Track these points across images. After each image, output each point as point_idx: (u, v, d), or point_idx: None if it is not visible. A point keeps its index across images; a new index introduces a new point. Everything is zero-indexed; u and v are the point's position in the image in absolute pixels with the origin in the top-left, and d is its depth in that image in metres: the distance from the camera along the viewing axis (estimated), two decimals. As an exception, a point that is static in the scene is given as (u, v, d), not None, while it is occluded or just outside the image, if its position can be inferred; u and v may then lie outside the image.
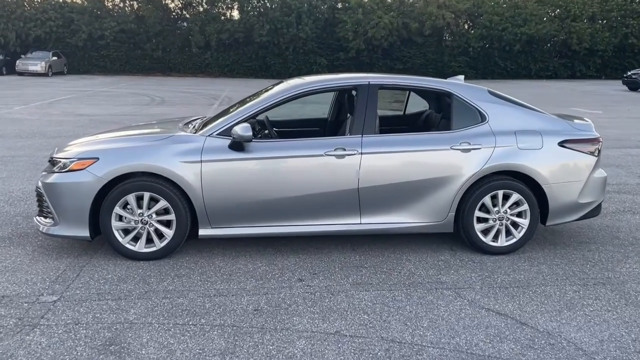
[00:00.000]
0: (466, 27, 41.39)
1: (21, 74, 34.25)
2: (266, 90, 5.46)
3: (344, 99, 5.88)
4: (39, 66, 34.23)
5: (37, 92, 23.04)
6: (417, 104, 6.58)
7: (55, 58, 35.83)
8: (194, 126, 5.28)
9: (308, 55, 39.29)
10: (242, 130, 4.59)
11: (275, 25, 38.19)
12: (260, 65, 39.36)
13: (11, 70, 34.95)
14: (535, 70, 40.35)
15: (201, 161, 4.66)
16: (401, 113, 6.64)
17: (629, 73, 29.83)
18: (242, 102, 5.48)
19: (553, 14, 41.26)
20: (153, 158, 4.63)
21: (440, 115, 5.80)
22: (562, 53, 41.25)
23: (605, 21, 41.10)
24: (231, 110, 5.25)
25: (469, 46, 39.72)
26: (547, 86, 31.33)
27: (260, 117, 5.53)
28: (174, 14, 40.54)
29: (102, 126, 13.27)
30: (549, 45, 41.63)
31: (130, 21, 38.65)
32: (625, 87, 29.28)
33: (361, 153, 4.80)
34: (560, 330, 3.72)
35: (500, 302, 4.11)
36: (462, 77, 5.68)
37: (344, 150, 4.79)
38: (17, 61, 34.78)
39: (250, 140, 4.65)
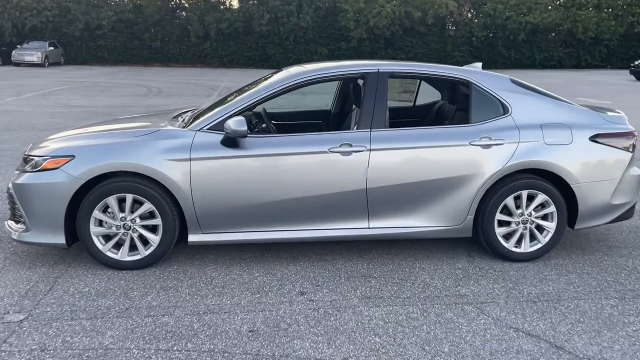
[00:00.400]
0: (469, 15, 40.71)
1: (17, 64, 33.67)
2: (264, 80, 4.93)
3: (349, 88, 5.35)
4: (35, 56, 33.62)
5: (31, 83, 22.50)
6: (427, 94, 6.05)
7: (51, 48, 35.22)
8: (184, 119, 4.76)
9: (309, 44, 38.66)
10: (236, 124, 4.07)
11: (276, 14, 37.52)
12: (260, 55, 38.74)
13: (7, 60, 34.33)
14: (540, 60, 39.70)
15: (190, 159, 4.15)
16: (411, 104, 6.11)
17: (637, 63, 29.25)
18: (238, 92, 4.95)
19: (558, 2, 40.59)
20: (136, 156, 4.11)
21: (455, 107, 5.27)
22: (567, 42, 40.59)
23: (611, 9, 40.44)
24: (225, 101, 4.73)
25: (472, 35, 39.08)
26: (552, 76, 30.70)
27: (257, 109, 5.01)
28: (172, 3, 39.82)
29: (95, 118, 12.78)
30: (553, 34, 40.95)
31: (128, 10, 37.98)
32: (633, 77, 28.69)
33: (369, 149, 4.28)
34: (602, 357, 3.21)
35: (530, 321, 3.60)
36: (479, 64, 5.15)
37: (351, 146, 4.27)
38: (13, 51, 34.16)
39: (245, 136, 4.12)
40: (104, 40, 38.06)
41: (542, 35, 40.00)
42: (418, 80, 5.96)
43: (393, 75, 4.54)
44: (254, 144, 4.23)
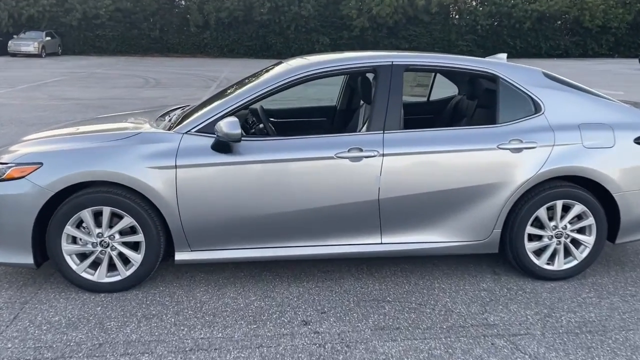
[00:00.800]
0: (474, 3, 39.96)
1: (14, 55, 33.15)
2: (262, 74, 4.37)
3: (357, 83, 4.78)
4: (31, 47, 33.10)
5: (26, 74, 21.94)
6: (439, 87, 5.48)
7: (48, 38, 34.66)
8: (171, 119, 4.21)
9: (310, 34, 37.97)
10: (228, 126, 3.51)
11: (276, 2, 36.81)
12: (260, 45, 38.09)
13: (3, 51, 33.75)
14: (546, 49, 38.99)
15: (176, 166, 3.59)
16: (425, 99, 5.54)
17: (646, 51, 28.59)
18: (232, 88, 4.39)
19: (565, -10, 39.82)
20: (113, 163, 3.56)
21: (476, 103, 4.71)
22: (573, 30, 39.87)
23: (618, -3, 39.69)
24: (218, 98, 4.16)
25: (477, 24, 38.41)
26: (560, 65, 30.00)
27: (254, 106, 4.46)
28: (171, -9, 39.15)
29: (88, 112, 12.28)
30: (560, 22, 40.22)
31: (126, -1, 37.37)
32: (642, 66, 28.07)
33: (383, 154, 3.73)
34: (668, 410, 2.67)
35: (574, 359, 3.06)
36: (504, 55, 4.58)
37: (361, 150, 3.72)
38: (10, 42, 33.63)
39: (239, 140, 3.56)
40: (101, 30, 37.43)
41: (548, 24, 39.29)
42: (433, 73, 5.39)
43: (409, 68, 3.97)
44: (250, 148, 3.67)
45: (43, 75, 21.37)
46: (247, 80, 4.36)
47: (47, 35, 34.67)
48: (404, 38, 38.26)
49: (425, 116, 5.45)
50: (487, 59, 4.29)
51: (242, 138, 3.66)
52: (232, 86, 4.46)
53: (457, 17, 39.56)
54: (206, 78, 21.54)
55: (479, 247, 3.96)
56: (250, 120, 4.53)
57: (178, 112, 4.56)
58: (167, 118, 4.33)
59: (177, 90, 17.07)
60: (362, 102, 4.86)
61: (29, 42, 33.27)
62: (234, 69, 25.95)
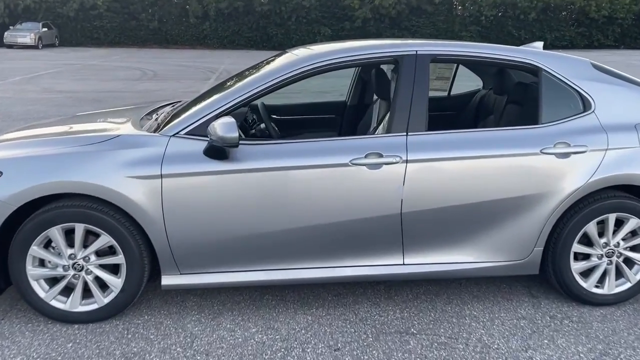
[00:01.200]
0: (478, -6, 39.19)
1: (10, 46, 32.51)
2: (264, 66, 3.78)
3: (371, 76, 4.21)
4: (28, 38, 32.46)
5: (21, 66, 21.32)
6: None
7: (45, 29, 34.00)
8: (158, 118, 3.63)
9: (311, 25, 37.27)
10: (224, 128, 2.93)
11: (277, -7, 36.11)
12: (261, 36, 37.41)
13: (-1, 42, 33.16)
14: (551, 40, 38.21)
15: (161, 175, 3.02)
16: (445, 94, 4.97)
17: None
18: (230, 81, 3.81)
19: (570, -21, 39.05)
20: (86, 171, 2.99)
21: (505, 99, 4.14)
22: (579, 21, 39.10)
23: (625, -13, 38.92)
24: (212, 94, 3.57)
25: (481, 15, 37.72)
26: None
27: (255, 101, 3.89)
28: (170, -19, 38.40)
29: (81, 105, 11.71)
30: (565, 13, 39.47)
31: (125, -10, 36.65)
32: (652, 57, 27.39)
33: (406, 161, 3.15)
34: None
35: (646, 415, 2.51)
36: (540, 44, 3.99)
37: (380, 156, 3.14)
38: (6, 33, 32.99)
39: (236, 144, 2.98)
40: (99, 20, 36.74)
41: (553, 14, 38.56)
42: (455, 64, 4.81)
43: (436, 58, 3.38)
44: (250, 153, 3.10)
45: (38, 67, 20.77)
46: (247, 73, 3.77)
47: (43, 26, 34.00)
48: (406, 29, 37.55)
49: (445, 113, 4.88)
50: (523, 48, 3.70)
51: (241, 141, 3.09)
52: (230, 79, 3.88)
53: (460, 7, 38.83)
54: (205, 70, 20.94)
55: (517, 268, 3.40)
56: (250, 119, 3.96)
57: (167, 109, 3.99)
58: (154, 116, 3.75)
59: (175, 83, 16.48)
60: (375, 97, 4.30)
61: (25, 34, 32.63)
62: (234, 61, 25.32)
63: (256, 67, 3.88)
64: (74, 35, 36.86)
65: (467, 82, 5.40)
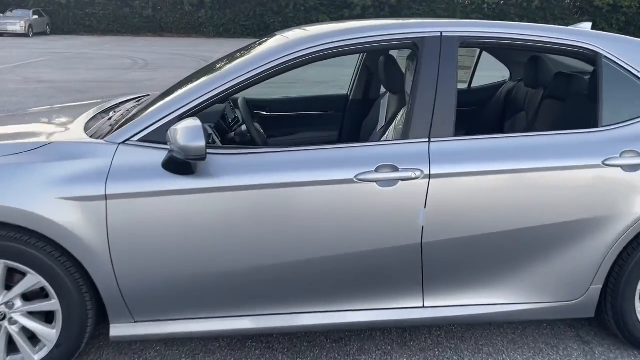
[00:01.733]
0: (481, -19, 38.42)
1: (0, 34, 31.59)
2: (247, 51, 3.01)
3: (379, 64, 3.45)
4: (18, 26, 31.61)
5: (8, 55, 20.50)
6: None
7: (36, 17, 33.14)
8: (111, 118, 2.87)
9: (310, 12, 36.46)
10: (186, 135, 2.18)
11: (275, -20, 35.22)
12: (258, 24, 36.57)
13: (-11, 30, 32.24)
14: (555, 29, 37.49)
15: (106, 197, 2.28)
16: (465, 86, 4.22)
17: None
18: (205, 71, 3.04)
19: (575, -34, 38.26)
20: (3, 191, 2.24)
21: (542, 93, 3.41)
22: (583, 9, 38.33)
23: (631, -26, 38.13)
24: (181, 87, 2.80)
25: (483, 2, 37.13)
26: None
27: (237, 96, 3.14)
28: (165, -32, 37.47)
29: (62, 96, 11.01)
30: (569, 1, 38.72)
31: (118, -24, 35.73)
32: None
33: (429, 175, 2.41)
34: None
35: None
36: (588, 24, 3.24)
37: (396, 169, 2.41)
38: (-5, 20, 32.10)
39: (203, 157, 2.23)
40: (92, 8, 35.86)
41: (557, 2, 37.89)
42: (477, 51, 4.07)
43: (467, 42, 2.62)
44: (224, 166, 2.36)
45: (25, 56, 19.97)
46: (226, 60, 3.01)
47: (34, 13, 33.13)
48: (407, 17, 36.72)
49: (464, 109, 4.14)
50: (573, 28, 2.94)
51: (213, 150, 2.35)
52: (205, 69, 3.12)
53: (462, -5, 38.07)
54: (199, 59, 20.16)
55: (566, 311, 2.67)
56: (231, 118, 3.22)
57: (130, 105, 3.23)
58: (112, 113, 3.00)
59: (167, 72, 15.73)
60: (383, 89, 3.58)
61: (15, 21, 31.78)
62: (230, 49, 24.41)
63: (239, 53, 3.11)
64: (66, 23, 36.00)
65: (484, 73, 4.67)
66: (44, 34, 33.87)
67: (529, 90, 3.63)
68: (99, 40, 30.93)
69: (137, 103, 3.25)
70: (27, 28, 31.80)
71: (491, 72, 4.36)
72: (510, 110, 3.80)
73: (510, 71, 4.10)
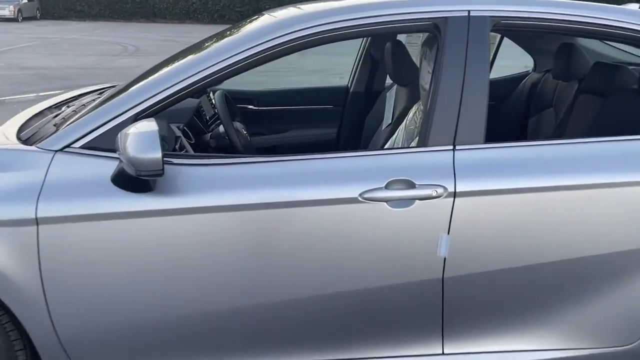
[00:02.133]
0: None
1: (-13, 19, 31.04)
2: (227, 34, 2.47)
3: (386, 51, 2.93)
4: (7, 10, 31.17)
5: (-7, 40, 19.93)
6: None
7: (25, 1, 32.67)
8: (57, 115, 2.34)
9: (307, -1, 35.90)
10: (137, 143, 1.66)
11: (270, -36, 34.59)
12: (253, 10, 35.89)
13: (-24, 14, 31.60)
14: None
15: (37, 221, 1.76)
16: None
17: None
18: (174, 59, 2.50)
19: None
20: None
21: (576, 87, 2.91)
22: (584, -1, 37.95)
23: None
24: (144, 78, 2.27)
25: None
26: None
27: (215, 88, 2.61)
28: (158, -49, 36.79)
29: (44, 84, 10.52)
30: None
31: (110, -40, 35.06)
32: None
33: (454, 194, 1.90)
34: None
35: None
36: (635, 5, 2.74)
37: (412, 186, 1.89)
38: (-17, 4, 31.47)
39: (160, 173, 1.70)
40: (83, -8, 35.25)
41: (558, -9, 37.42)
42: (498, 38, 3.56)
43: (500, 24, 2.09)
44: (194, 179, 1.84)
45: (12, 41, 19.40)
46: (202, 45, 2.48)
47: (24, -3, 32.55)
48: None
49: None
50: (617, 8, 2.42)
51: (179, 160, 1.84)
52: (175, 55, 2.58)
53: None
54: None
55: (616, 358, 2.17)
56: (209, 115, 2.69)
57: (88, 99, 2.69)
58: (63, 111, 2.47)
59: (156, 59, 14.85)
60: (389, 81, 3.09)
61: (3, 5, 31.32)
62: (223, 36, 23.94)
63: (216, 36, 2.57)
64: (57, 7, 35.39)
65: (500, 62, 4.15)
66: (33, 18, 33.29)
67: (558, 83, 3.14)
68: (89, 25, 30.38)
69: (98, 96, 2.71)
70: (16, 12, 31.28)
71: (506, 61, 3.85)
72: (536, 105, 3.32)
73: (534, 61, 3.60)
